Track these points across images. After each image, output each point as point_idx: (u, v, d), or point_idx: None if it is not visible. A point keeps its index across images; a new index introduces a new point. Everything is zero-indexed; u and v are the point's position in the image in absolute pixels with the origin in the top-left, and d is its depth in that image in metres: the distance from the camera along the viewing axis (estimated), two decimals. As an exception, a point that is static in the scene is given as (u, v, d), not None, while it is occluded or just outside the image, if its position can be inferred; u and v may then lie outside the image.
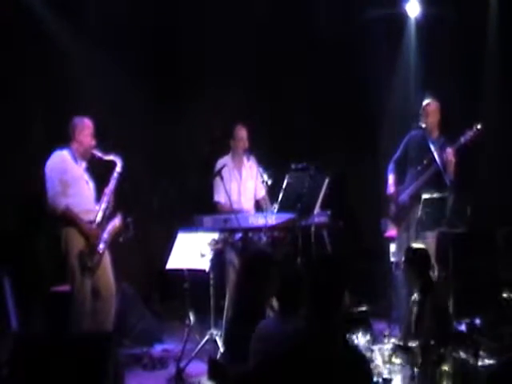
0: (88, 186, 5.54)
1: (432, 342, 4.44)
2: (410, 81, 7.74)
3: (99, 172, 5.73)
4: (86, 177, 5.57)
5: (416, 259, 5.00)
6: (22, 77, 6.51)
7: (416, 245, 5.53)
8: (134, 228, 5.79)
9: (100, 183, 5.66)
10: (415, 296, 5.02)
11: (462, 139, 5.93)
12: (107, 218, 5.52)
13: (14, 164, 6.38)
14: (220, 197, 6.41)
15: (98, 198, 5.58)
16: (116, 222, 5.56)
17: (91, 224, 5.41)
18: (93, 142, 5.51)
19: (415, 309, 4.95)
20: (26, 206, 6.46)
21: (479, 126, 5.87)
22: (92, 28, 6.82)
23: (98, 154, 5.54)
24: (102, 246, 5.43)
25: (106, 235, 5.46)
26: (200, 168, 7.51)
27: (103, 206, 5.51)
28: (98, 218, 5.46)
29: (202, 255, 5.51)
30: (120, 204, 5.68)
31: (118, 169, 5.60)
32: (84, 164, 5.56)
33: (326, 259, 3.41)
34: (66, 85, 6.70)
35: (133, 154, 6.40)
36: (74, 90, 6.67)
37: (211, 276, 5.63)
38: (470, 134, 5.90)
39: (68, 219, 5.33)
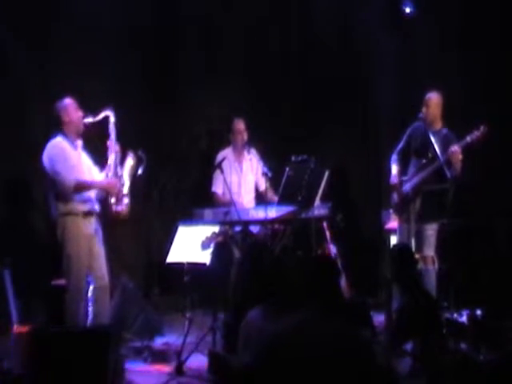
0: (88, 169, 5.51)
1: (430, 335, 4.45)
2: (412, 73, 7.71)
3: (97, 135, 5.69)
4: (85, 157, 5.53)
5: (396, 255, 4.98)
6: (22, 73, 6.49)
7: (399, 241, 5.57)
8: (146, 159, 5.74)
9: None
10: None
11: (469, 139, 5.89)
12: (120, 163, 5.56)
13: (13, 154, 6.35)
14: (217, 188, 6.47)
15: (101, 169, 5.58)
16: (129, 160, 5.60)
17: (93, 213, 5.41)
18: (80, 114, 5.45)
19: (402, 305, 4.93)
20: (27, 198, 6.46)
21: (485, 127, 5.83)
22: (93, 21, 6.79)
23: (89, 120, 5.48)
24: (124, 188, 5.51)
25: (123, 180, 5.53)
26: (200, 161, 7.51)
27: (112, 156, 5.53)
28: (112, 168, 5.50)
29: (204, 245, 5.50)
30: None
31: (112, 119, 5.57)
32: (80, 142, 5.52)
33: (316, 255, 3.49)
34: (67, 77, 6.67)
35: (132, 147, 6.39)
36: (74, 83, 6.64)
37: (212, 269, 5.62)
38: (476, 134, 5.85)
39: (83, 187, 5.33)
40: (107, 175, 5.54)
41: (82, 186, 5.34)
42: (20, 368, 4.37)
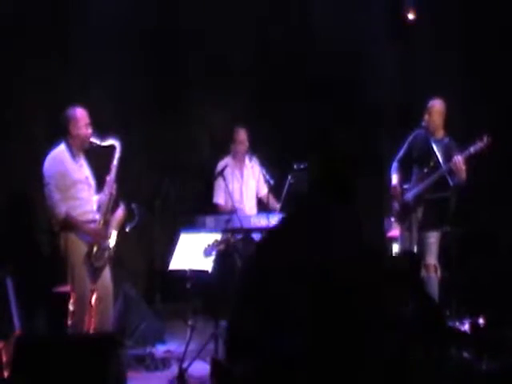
0: (87, 184, 5.41)
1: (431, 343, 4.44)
2: (413, 80, 7.72)
3: (98, 157, 5.58)
4: (86, 171, 5.44)
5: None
6: (22, 77, 6.50)
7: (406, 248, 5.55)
8: (139, 214, 5.69)
9: (100, 169, 5.55)
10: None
11: (472, 149, 5.86)
12: (110, 209, 5.40)
13: (14, 163, 6.35)
14: (219, 198, 6.48)
15: (100, 185, 5.48)
16: (119, 212, 5.45)
17: (94, 222, 5.37)
18: (89, 131, 5.32)
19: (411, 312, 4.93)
20: (28, 206, 6.46)
21: (489, 138, 5.80)
22: (94, 27, 6.80)
23: (96, 141, 5.36)
24: (109, 241, 5.37)
25: (111, 230, 5.39)
26: (202, 169, 7.51)
27: (106, 196, 5.39)
28: (103, 208, 5.35)
29: (206, 252, 5.48)
30: (122, 191, 5.56)
31: (118, 153, 5.44)
32: (82, 156, 5.43)
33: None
34: (68, 85, 6.68)
35: (134, 155, 6.40)
36: (76, 92, 6.65)
37: (214, 276, 5.63)
38: (480, 145, 5.82)
39: (70, 225, 5.24)
40: (98, 208, 5.42)
41: (69, 222, 5.22)
42: (21, 375, 4.36)
